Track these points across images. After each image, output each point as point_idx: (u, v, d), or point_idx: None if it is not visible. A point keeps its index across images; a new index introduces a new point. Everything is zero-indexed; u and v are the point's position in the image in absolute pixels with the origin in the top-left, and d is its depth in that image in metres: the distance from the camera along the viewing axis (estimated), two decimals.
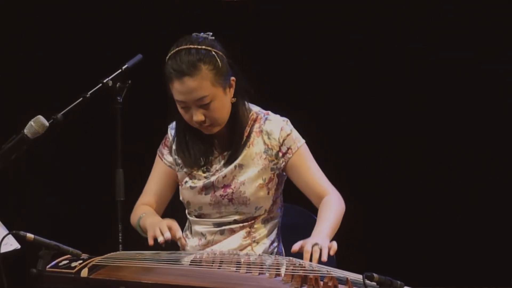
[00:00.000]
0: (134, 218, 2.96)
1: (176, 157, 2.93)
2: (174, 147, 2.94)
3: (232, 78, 2.81)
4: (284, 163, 2.87)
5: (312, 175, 2.87)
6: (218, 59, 2.75)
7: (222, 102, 2.77)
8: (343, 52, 4.31)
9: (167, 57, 2.77)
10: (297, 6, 4.33)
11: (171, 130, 2.95)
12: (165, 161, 2.96)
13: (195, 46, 2.74)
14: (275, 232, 2.96)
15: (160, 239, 2.64)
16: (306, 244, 2.49)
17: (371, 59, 4.30)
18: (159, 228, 2.68)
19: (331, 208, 2.80)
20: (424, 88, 4.28)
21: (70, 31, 4.33)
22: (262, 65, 4.16)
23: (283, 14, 4.33)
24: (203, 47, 2.75)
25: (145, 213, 2.89)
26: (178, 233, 2.70)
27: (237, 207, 2.88)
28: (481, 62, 4.20)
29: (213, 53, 2.75)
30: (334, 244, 2.50)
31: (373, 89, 4.33)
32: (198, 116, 2.74)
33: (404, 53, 4.26)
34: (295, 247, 2.51)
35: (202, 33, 2.80)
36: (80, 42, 4.32)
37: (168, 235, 2.65)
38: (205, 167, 2.89)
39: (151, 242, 2.68)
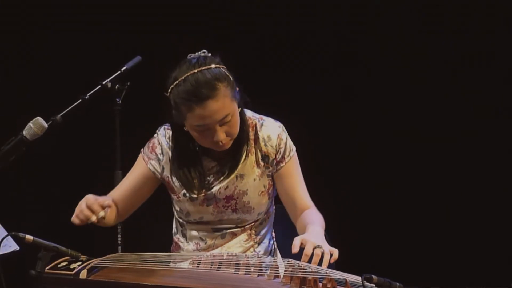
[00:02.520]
0: None
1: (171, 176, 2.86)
2: (169, 167, 2.83)
3: (237, 88, 2.74)
4: (275, 170, 2.85)
5: (297, 187, 2.84)
6: (228, 74, 2.69)
7: (238, 115, 2.72)
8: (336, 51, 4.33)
9: (173, 86, 2.66)
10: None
11: (162, 137, 2.85)
12: (150, 166, 2.84)
13: (206, 67, 2.66)
14: (271, 229, 2.97)
15: (93, 219, 2.56)
16: (307, 245, 2.42)
17: (366, 58, 4.32)
18: (79, 211, 2.57)
19: (317, 218, 2.76)
20: (421, 88, 4.29)
21: (69, 33, 4.33)
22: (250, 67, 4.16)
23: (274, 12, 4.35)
24: (212, 66, 2.67)
25: None
26: (100, 213, 2.57)
27: (240, 215, 2.85)
28: (480, 62, 4.21)
29: (223, 69, 2.69)
30: (336, 253, 2.43)
31: (370, 88, 4.34)
32: (220, 135, 2.66)
33: (399, 55, 4.28)
34: (295, 248, 2.44)
35: (197, 53, 2.72)
36: (79, 44, 4.32)
37: (93, 219, 2.56)
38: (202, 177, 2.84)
39: (76, 221, 2.59)
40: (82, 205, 2.58)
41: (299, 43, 4.37)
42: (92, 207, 2.55)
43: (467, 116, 4.25)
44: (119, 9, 4.31)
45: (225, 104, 2.64)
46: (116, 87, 3.08)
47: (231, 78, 2.69)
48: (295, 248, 2.43)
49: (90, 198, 2.58)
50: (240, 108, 2.74)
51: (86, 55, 4.30)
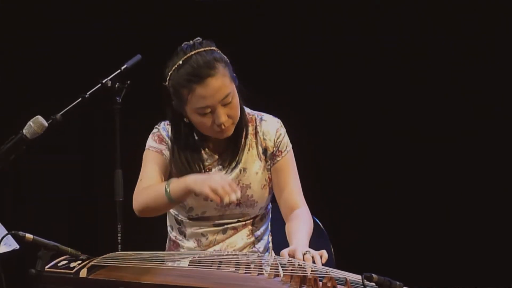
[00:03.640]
0: (150, 192, 2.74)
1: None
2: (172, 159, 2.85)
3: (234, 74, 2.80)
4: (272, 164, 2.88)
5: (290, 184, 2.87)
6: (225, 56, 2.76)
7: (238, 98, 2.76)
8: (331, 52, 4.32)
9: (171, 71, 2.71)
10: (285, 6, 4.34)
11: (164, 132, 2.86)
12: (165, 156, 2.84)
13: (202, 49, 2.72)
14: (269, 225, 2.99)
15: (231, 198, 2.49)
16: (296, 253, 2.47)
17: (366, 58, 4.31)
18: (221, 187, 2.49)
19: (304, 224, 2.77)
20: (421, 88, 4.29)
21: (70, 32, 4.33)
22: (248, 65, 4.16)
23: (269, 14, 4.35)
24: (207, 48, 2.73)
25: (168, 181, 2.71)
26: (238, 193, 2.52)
27: (243, 210, 2.88)
28: (480, 62, 4.21)
29: (217, 50, 2.76)
30: (325, 253, 2.48)
31: (370, 88, 4.34)
32: (222, 117, 2.68)
33: (399, 55, 4.28)
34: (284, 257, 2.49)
35: (191, 41, 2.76)
36: (79, 43, 4.32)
37: (234, 198, 2.49)
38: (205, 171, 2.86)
39: (215, 198, 2.51)
40: (222, 182, 2.52)
41: (299, 43, 4.36)
42: (233, 186, 2.51)
43: (467, 116, 4.25)
44: (119, 8, 4.31)
45: (224, 82, 2.68)
46: (116, 85, 3.08)
47: (227, 60, 2.74)
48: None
49: (225, 177, 2.59)
50: (238, 95, 2.77)
51: (86, 54, 4.30)
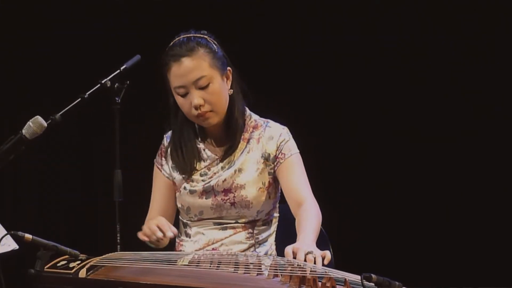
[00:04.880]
0: None
1: (171, 162, 2.93)
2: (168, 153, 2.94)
3: (229, 68, 2.85)
4: (276, 167, 2.89)
5: (295, 182, 2.87)
6: (214, 45, 2.82)
7: (220, 87, 2.80)
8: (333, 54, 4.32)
9: (165, 53, 2.83)
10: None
11: (167, 140, 2.96)
12: (164, 172, 2.95)
13: (192, 35, 2.82)
14: (274, 234, 2.99)
15: (153, 238, 2.64)
16: (298, 252, 2.47)
17: (366, 58, 4.31)
18: (148, 228, 2.66)
19: (311, 218, 2.77)
20: (421, 88, 4.29)
21: (69, 32, 4.33)
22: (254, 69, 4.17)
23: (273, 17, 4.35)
24: (198, 35, 2.83)
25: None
26: (168, 233, 2.65)
27: (239, 211, 2.89)
28: (480, 62, 4.21)
29: (209, 40, 2.83)
30: (328, 254, 2.47)
31: (370, 88, 4.34)
32: (197, 99, 2.75)
33: (399, 55, 4.27)
34: (287, 255, 2.49)
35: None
36: (79, 43, 4.32)
37: (159, 235, 2.63)
38: (202, 170, 2.89)
39: (143, 238, 2.68)
40: (151, 223, 2.66)
41: (300, 43, 4.36)
42: (162, 227, 2.63)
43: (467, 116, 4.25)
44: (119, 8, 4.32)
45: (201, 65, 2.76)
46: (116, 86, 3.07)
47: (216, 49, 2.81)
48: (288, 257, 2.48)
49: (162, 219, 2.69)
50: (232, 91, 2.84)
51: (86, 54, 4.31)
